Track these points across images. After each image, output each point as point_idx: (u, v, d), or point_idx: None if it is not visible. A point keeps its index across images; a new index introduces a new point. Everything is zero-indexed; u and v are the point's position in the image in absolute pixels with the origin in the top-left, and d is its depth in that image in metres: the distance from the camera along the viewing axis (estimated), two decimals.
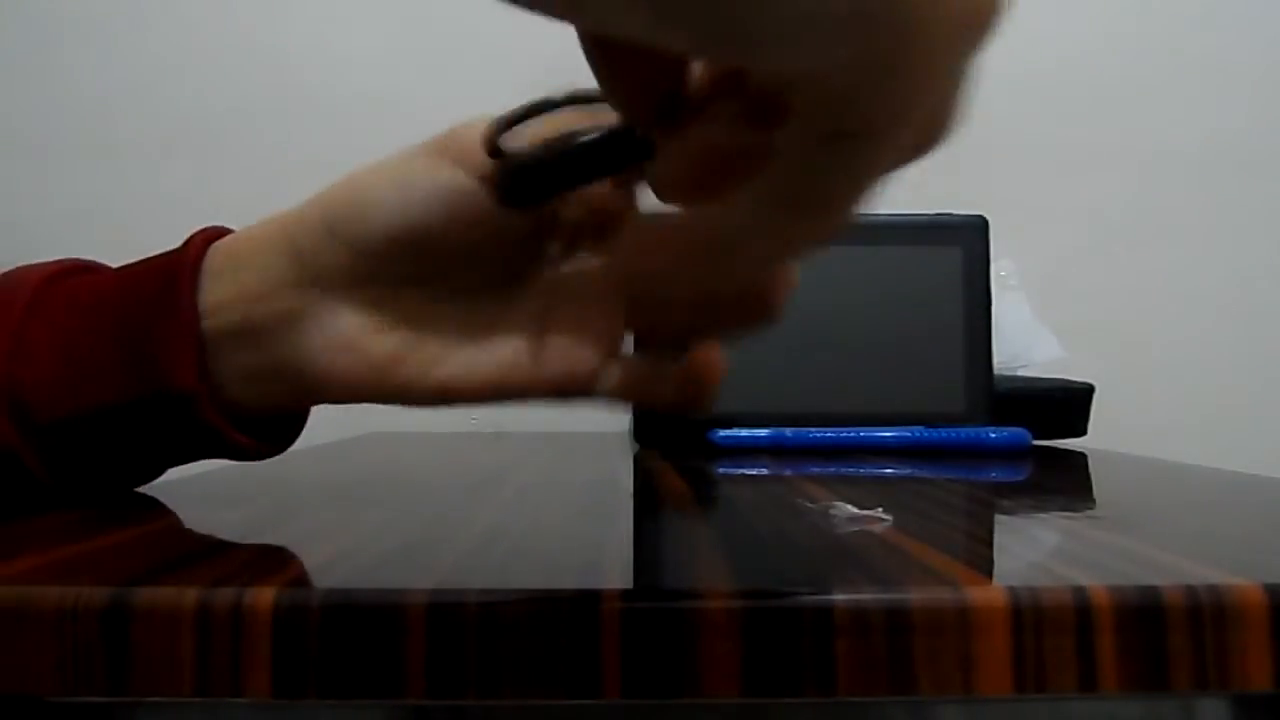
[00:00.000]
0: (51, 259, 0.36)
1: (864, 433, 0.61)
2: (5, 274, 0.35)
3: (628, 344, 0.28)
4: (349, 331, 0.30)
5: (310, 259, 0.30)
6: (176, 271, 0.32)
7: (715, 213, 0.21)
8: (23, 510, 0.33)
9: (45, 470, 0.34)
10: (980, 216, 0.66)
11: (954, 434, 0.61)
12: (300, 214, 0.31)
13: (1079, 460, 0.59)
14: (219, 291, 0.31)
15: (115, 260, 0.36)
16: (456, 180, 0.28)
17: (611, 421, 0.83)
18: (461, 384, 0.29)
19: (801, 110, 0.18)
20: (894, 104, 0.17)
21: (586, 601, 0.21)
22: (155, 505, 0.35)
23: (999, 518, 0.37)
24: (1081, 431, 0.71)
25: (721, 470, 0.51)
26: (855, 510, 0.33)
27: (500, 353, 0.29)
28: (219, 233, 0.34)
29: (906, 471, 0.50)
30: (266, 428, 0.35)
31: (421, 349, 0.29)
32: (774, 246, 0.21)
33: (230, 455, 0.34)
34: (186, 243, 0.33)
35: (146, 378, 0.32)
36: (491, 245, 0.29)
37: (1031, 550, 0.29)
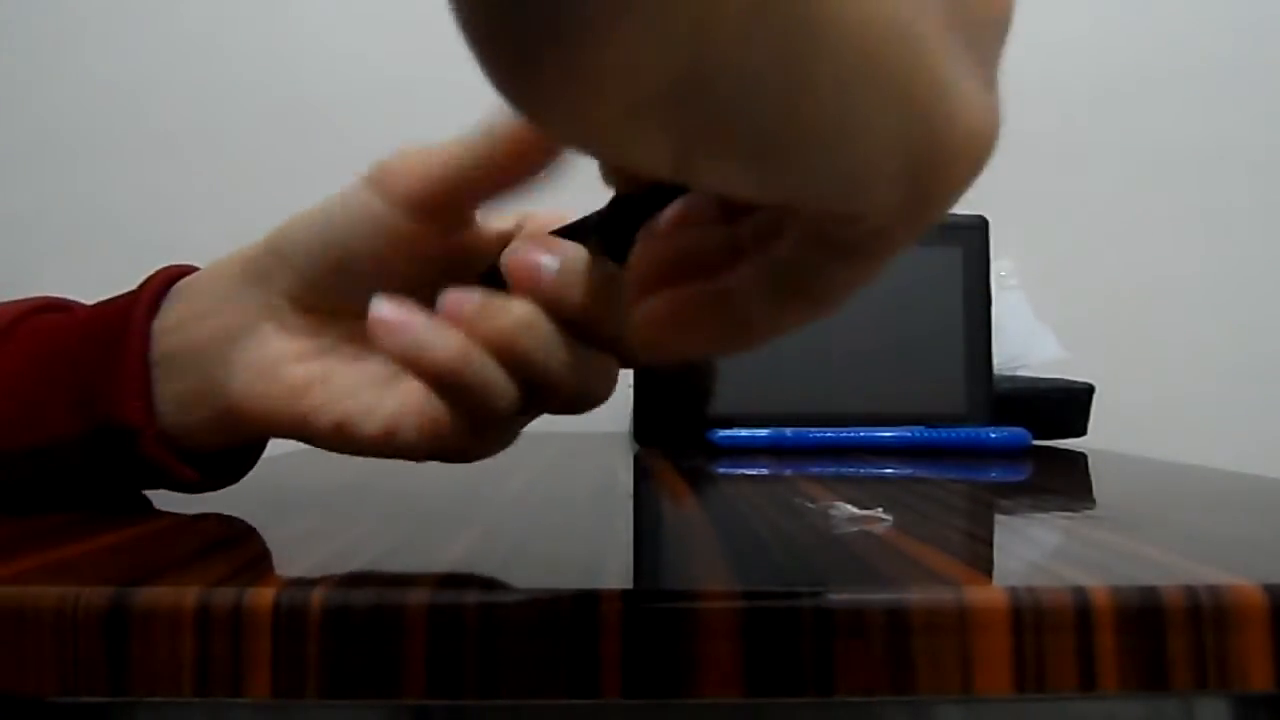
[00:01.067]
0: (28, 297, 0.36)
1: (864, 433, 0.61)
2: None
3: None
4: (272, 356, 0.30)
5: (257, 281, 0.31)
6: (132, 307, 0.32)
7: (717, 296, 0.21)
8: None
9: None
10: (980, 216, 0.66)
11: (954, 434, 0.61)
12: (255, 244, 0.32)
13: (1079, 460, 0.59)
14: (171, 316, 0.32)
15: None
16: (373, 204, 0.29)
17: (611, 421, 0.83)
18: (354, 427, 0.29)
19: (810, 225, 0.19)
20: (912, 226, 0.18)
21: (586, 601, 0.21)
22: (155, 505, 0.35)
23: (999, 518, 0.37)
24: (1081, 431, 0.71)
25: (721, 470, 0.51)
26: (855, 510, 0.33)
27: (392, 406, 0.28)
28: (182, 271, 0.34)
29: (906, 471, 0.50)
30: (216, 463, 0.35)
31: (331, 382, 0.30)
32: (776, 326, 0.21)
33: (174, 488, 0.34)
34: (146, 280, 0.33)
35: (93, 412, 0.32)
36: (413, 280, 0.29)
37: (1031, 550, 0.29)
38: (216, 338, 0.31)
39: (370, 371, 0.30)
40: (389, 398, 0.29)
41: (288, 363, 0.30)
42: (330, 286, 0.30)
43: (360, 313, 0.29)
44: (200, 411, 0.32)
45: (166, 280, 0.33)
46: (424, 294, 0.29)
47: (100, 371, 0.32)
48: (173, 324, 0.32)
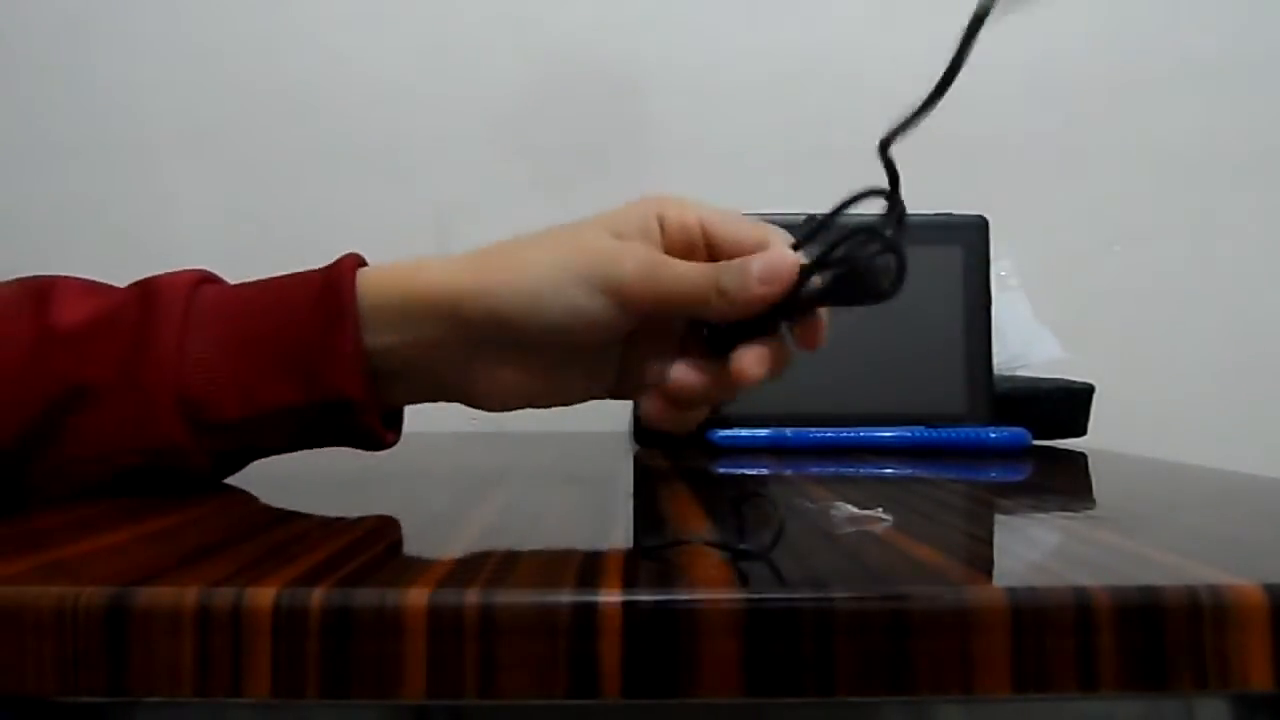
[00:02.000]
0: (181, 270, 0.40)
1: (864, 433, 0.61)
2: (146, 284, 0.39)
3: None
4: (506, 380, 0.38)
5: (475, 332, 0.37)
6: (336, 309, 0.37)
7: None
8: (176, 491, 0.37)
9: (209, 465, 0.38)
10: (980, 216, 0.66)
11: (954, 434, 0.61)
12: (464, 287, 0.36)
13: (1079, 460, 0.59)
14: (384, 338, 0.37)
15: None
16: (616, 318, 0.36)
17: (611, 421, 0.83)
18: (582, 399, 0.40)
19: None
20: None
21: (586, 601, 0.21)
22: (155, 505, 0.35)
23: (999, 518, 0.37)
24: (1081, 431, 0.71)
25: (721, 470, 0.51)
26: (855, 510, 0.33)
27: (606, 381, 0.40)
28: (359, 260, 0.39)
29: (906, 471, 0.50)
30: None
31: (557, 393, 0.39)
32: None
33: (373, 448, 0.40)
34: (338, 272, 0.37)
35: (319, 389, 0.37)
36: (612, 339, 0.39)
37: (1031, 550, 0.29)
38: (445, 367, 0.38)
39: (574, 378, 0.39)
40: (594, 391, 0.40)
41: (521, 383, 0.38)
42: (538, 344, 0.37)
43: (548, 346, 0.37)
44: (428, 398, 0.40)
45: (353, 283, 0.37)
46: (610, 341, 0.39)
47: (322, 362, 0.37)
48: (388, 348, 0.37)
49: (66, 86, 0.96)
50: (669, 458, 0.56)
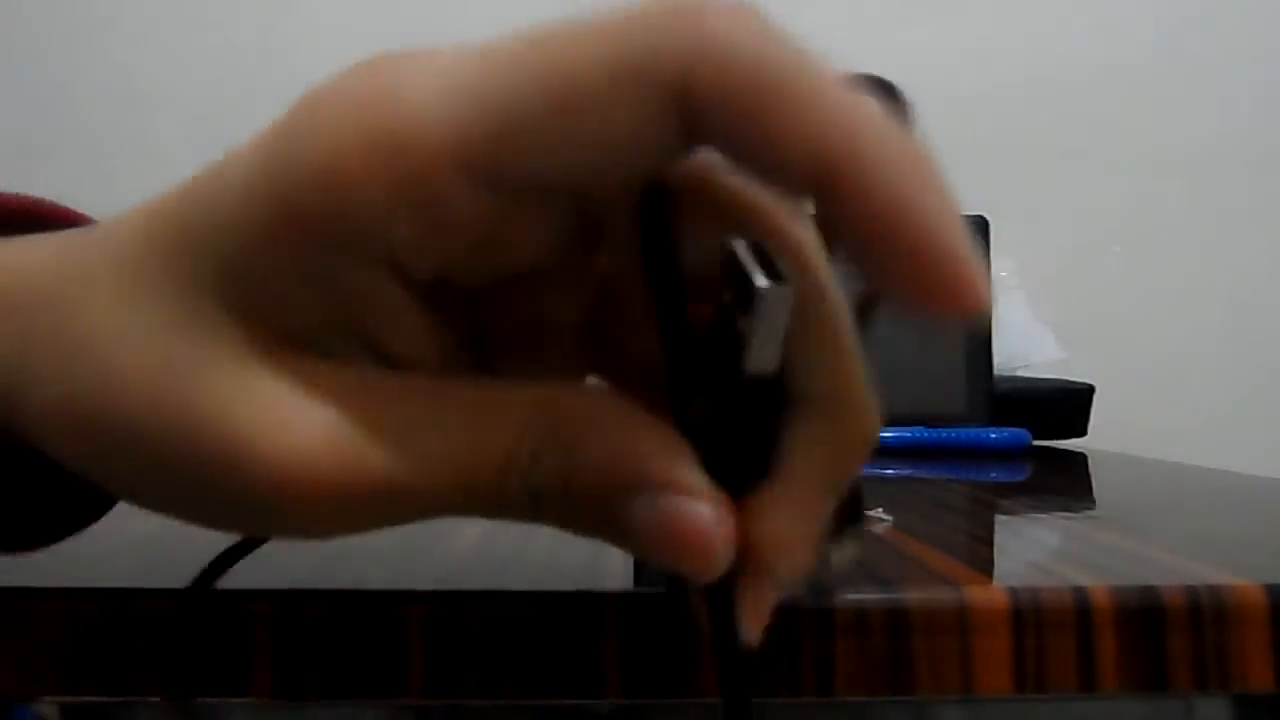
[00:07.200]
0: None
1: None
2: None
3: None
4: (267, 398, 0.16)
5: (196, 319, 0.17)
6: None
7: None
8: None
9: None
10: (980, 216, 0.66)
11: (954, 434, 0.61)
12: (147, 235, 0.18)
13: (1079, 460, 0.59)
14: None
15: None
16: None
17: None
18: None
19: None
20: None
21: (586, 601, 0.21)
22: None
23: (999, 518, 0.37)
24: (1081, 431, 0.71)
25: None
26: None
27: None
28: None
29: (906, 471, 0.50)
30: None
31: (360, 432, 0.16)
32: None
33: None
34: None
35: None
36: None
37: (1031, 550, 0.29)
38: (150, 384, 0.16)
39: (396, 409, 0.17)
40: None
41: (302, 408, 0.16)
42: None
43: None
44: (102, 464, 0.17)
45: None
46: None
47: None
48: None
49: (66, 86, 0.96)
50: None
